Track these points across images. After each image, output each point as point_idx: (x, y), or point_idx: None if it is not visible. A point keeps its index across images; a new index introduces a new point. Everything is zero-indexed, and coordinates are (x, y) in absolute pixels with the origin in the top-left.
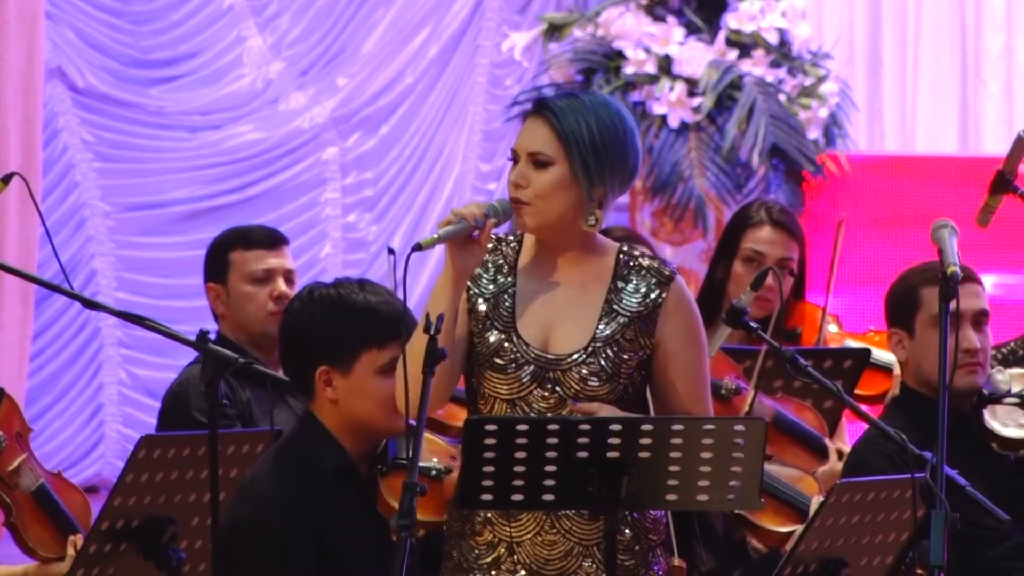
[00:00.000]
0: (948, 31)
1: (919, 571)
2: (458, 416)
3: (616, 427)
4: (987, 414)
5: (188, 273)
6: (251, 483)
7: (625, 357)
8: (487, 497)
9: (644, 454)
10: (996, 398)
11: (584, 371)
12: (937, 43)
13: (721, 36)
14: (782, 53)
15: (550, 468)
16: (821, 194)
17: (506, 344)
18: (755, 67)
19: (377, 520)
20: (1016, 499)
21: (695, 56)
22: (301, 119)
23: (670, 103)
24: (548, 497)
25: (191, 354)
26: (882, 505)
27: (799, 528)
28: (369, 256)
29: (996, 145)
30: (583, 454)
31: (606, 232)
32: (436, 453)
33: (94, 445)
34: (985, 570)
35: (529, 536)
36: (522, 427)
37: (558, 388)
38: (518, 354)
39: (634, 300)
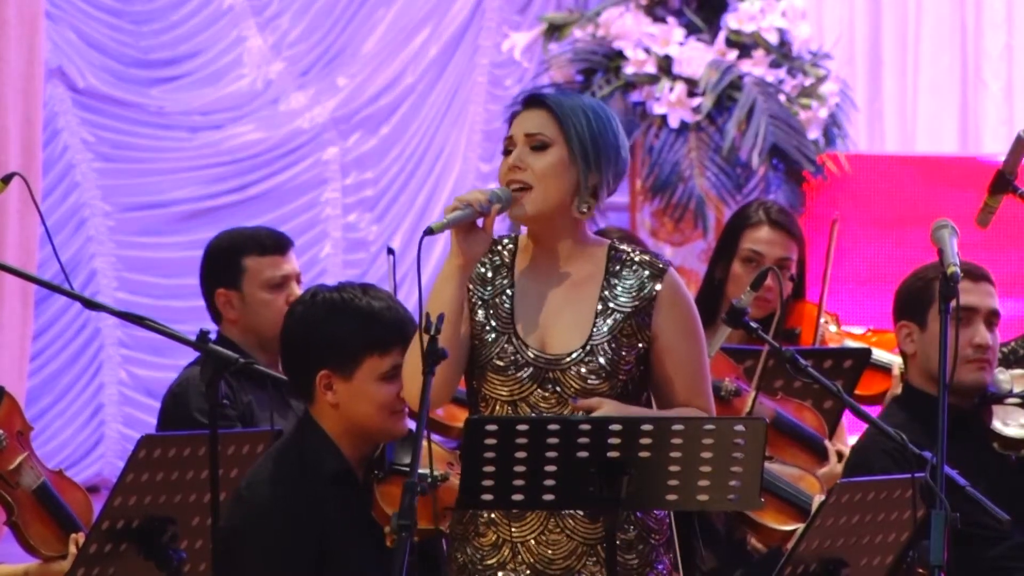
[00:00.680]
0: (948, 31)
1: (920, 571)
2: (458, 417)
3: (616, 427)
4: (989, 414)
5: (188, 273)
6: (249, 486)
7: (624, 353)
8: (488, 497)
9: (644, 454)
10: (998, 398)
11: (583, 370)
12: (937, 43)
13: (721, 36)
14: (782, 53)
15: (550, 468)
16: (821, 194)
17: (505, 346)
18: (755, 67)
19: (372, 526)
20: (1017, 499)
21: (695, 56)
22: (301, 119)
23: (670, 103)
24: (548, 497)
25: (191, 354)
26: (882, 505)
27: (801, 527)
28: (369, 256)
29: (996, 145)
30: (583, 454)
31: (603, 233)
32: (433, 459)
33: (94, 445)
34: (985, 570)
35: (533, 536)
36: (522, 427)
37: (558, 388)
38: (517, 355)
39: (629, 295)
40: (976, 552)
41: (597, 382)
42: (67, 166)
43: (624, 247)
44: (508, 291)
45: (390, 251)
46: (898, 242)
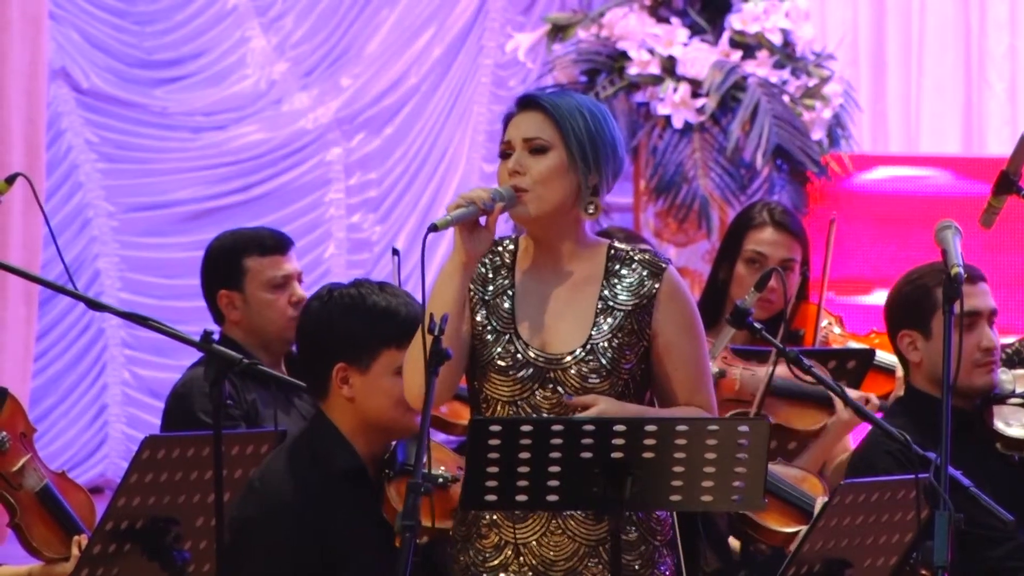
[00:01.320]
0: (952, 32)
1: (923, 572)
2: (462, 414)
3: (620, 428)
4: (992, 414)
5: (192, 274)
6: (261, 481)
7: (625, 352)
8: (491, 498)
9: (648, 455)
10: (1000, 398)
11: (584, 369)
12: (941, 44)
13: (725, 37)
14: (786, 54)
15: (554, 469)
16: (825, 195)
17: (507, 346)
18: (759, 68)
19: (383, 525)
20: (1021, 499)
21: (699, 57)
22: (305, 120)
23: (674, 104)
24: (552, 498)
25: (195, 355)
26: (886, 506)
27: (803, 528)
28: (373, 256)
29: (1000, 146)
30: (587, 455)
31: (606, 234)
32: (444, 462)
33: (98, 446)
34: (989, 571)
35: (535, 537)
36: (526, 428)
37: (560, 388)
38: (519, 355)
39: (628, 293)
40: (980, 553)
41: (598, 381)
42: (71, 167)
43: (623, 246)
44: (509, 291)
45: (395, 252)
46: (902, 243)
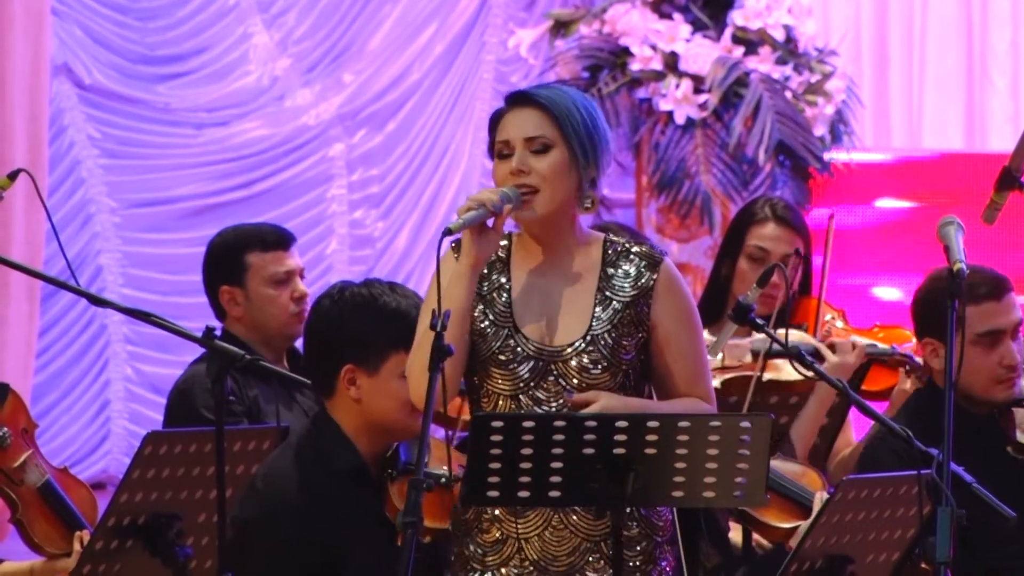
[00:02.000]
0: (954, 28)
1: (924, 567)
2: (463, 409)
3: (622, 424)
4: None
5: (195, 269)
6: (265, 479)
7: (624, 343)
8: (493, 494)
9: (650, 451)
10: (1018, 402)
11: (584, 360)
12: (943, 40)
13: (727, 33)
14: (788, 50)
15: (556, 465)
16: (827, 191)
17: (507, 340)
18: (761, 64)
19: (385, 524)
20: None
21: (701, 53)
22: (307, 116)
23: (676, 100)
24: (554, 494)
25: (197, 350)
26: (888, 501)
27: (803, 524)
28: (375, 252)
29: (1002, 142)
30: (589, 451)
31: (604, 228)
32: (447, 461)
33: (100, 441)
34: (991, 569)
35: (537, 532)
36: (528, 424)
37: (561, 380)
38: (519, 349)
39: (626, 284)
40: (982, 549)
41: (599, 372)
42: (73, 162)
43: (618, 239)
44: (505, 287)
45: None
46: (904, 239)
